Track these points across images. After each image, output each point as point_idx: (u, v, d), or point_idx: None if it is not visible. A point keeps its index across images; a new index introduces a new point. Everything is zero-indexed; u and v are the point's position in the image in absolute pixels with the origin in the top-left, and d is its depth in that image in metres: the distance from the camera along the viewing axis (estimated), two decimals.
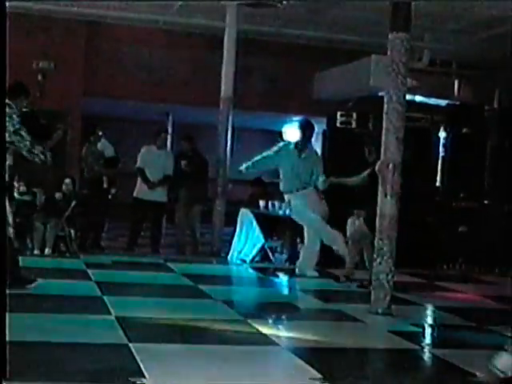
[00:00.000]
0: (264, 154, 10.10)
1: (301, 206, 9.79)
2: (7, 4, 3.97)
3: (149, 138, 12.20)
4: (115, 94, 14.17)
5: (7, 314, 3.89)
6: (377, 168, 7.91)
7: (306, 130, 10.00)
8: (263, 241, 11.09)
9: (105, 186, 11.29)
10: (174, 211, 11.97)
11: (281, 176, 9.99)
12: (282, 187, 10.02)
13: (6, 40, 3.79)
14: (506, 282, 10.51)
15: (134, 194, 11.59)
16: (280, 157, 9.95)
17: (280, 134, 18.11)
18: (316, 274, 9.90)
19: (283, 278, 9.96)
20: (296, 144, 9.99)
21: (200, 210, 11.83)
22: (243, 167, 10.12)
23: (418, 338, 6.61)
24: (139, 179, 11.58)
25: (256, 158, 10.10)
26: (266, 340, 5.90)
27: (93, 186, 11.20)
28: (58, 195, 10.70)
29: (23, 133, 7.19)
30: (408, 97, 7.61)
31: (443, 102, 12.86)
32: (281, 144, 10.33)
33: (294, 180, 9.81)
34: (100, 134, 11.43)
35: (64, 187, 10.77)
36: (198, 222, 11.88)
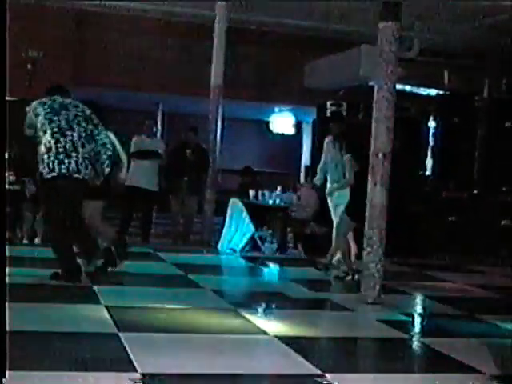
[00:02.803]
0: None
1: None
2: None
3: (139, 127, 12.18)
4: (105, 83, 14.11)
5: None
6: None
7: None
8: (253, 230, 11.10)
9: None
10: (165, 201, 11.96)
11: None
12: None
13: (6, 39, 3.75)
14: (494, 272, 10.57)
15: (126, 183, 11.54)
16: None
17: (267, 124, 18.10)
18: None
19: (273, 268, 9.97)
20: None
21: (197, 200, 11.87)
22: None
23: (407, 327, 6.63)
24: (131, 168, 11.55)
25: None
26: (255, 329, 5.91)
27: None
28: None
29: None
30: (398, 86, 7.61)
31: (433, 92, 12.86)
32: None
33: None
34: None
35: None
36: (194, 212, 11.93)
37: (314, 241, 10.90)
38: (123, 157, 8.32)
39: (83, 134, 7.15)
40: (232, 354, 5.16)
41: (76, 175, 7.08)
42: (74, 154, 7.05)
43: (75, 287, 7.23)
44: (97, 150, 7.26)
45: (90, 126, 7.24)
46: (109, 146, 7.34)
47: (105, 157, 7.30)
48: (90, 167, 7.21)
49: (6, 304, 3.83)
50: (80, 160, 7.09)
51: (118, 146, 7.91)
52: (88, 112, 7.31)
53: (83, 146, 7.14)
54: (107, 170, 7.40)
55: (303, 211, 11.23)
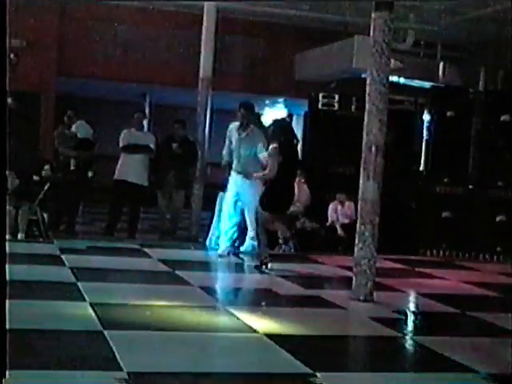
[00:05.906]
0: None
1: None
2: None
3: (125, 119, 11.99)
4: (90, 74, 13.89)
5: None
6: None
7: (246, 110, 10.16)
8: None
9: (72, 168, 11.00)
10: (154, 195, 11.78)
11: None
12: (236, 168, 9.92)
13: (6, 38, 3.58)
14: (489, 268, 10.49)
15: (115, 177, 11.38)
16: (229, 139, 10.10)
17: (258, 116, 17.92)
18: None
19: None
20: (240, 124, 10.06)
21: (184, 195, 11.71)
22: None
23: (399, 324, 6.59)
24: (120, 161, 11.37)
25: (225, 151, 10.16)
26: (244, 327, 5.83)
27: (63, 169, 10.98)
28: (36, 178, 10.52)
29: None
30: (391, 78, 7.51)
31: (427, 84, 12.77)
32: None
33: (238, 159, 9.81)
34: (71, 115, 11.23)
35: (44, 173, 10.58)
36: (182, 207, 11.78)
37: (304, 236, 10.76)
38: None
39: None
40: (220, 353, 5.16)
41: None
42: None
43: (60, 284, 7.12)
44: None
45: None
46: None
47: None
48: None
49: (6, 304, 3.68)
50: None
51: None
52: None
53: None
54: None
55: (294, 206, 11.06)
